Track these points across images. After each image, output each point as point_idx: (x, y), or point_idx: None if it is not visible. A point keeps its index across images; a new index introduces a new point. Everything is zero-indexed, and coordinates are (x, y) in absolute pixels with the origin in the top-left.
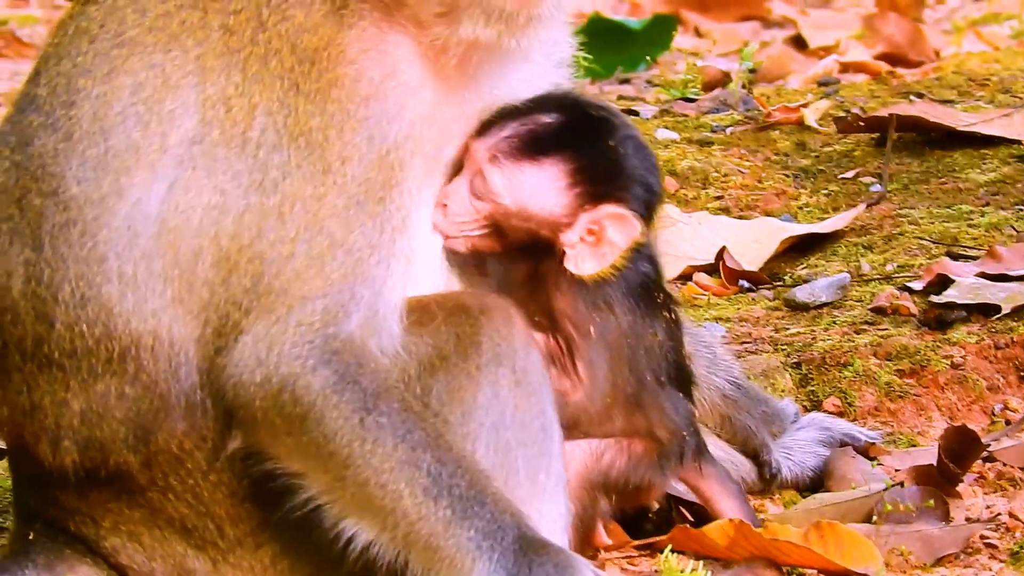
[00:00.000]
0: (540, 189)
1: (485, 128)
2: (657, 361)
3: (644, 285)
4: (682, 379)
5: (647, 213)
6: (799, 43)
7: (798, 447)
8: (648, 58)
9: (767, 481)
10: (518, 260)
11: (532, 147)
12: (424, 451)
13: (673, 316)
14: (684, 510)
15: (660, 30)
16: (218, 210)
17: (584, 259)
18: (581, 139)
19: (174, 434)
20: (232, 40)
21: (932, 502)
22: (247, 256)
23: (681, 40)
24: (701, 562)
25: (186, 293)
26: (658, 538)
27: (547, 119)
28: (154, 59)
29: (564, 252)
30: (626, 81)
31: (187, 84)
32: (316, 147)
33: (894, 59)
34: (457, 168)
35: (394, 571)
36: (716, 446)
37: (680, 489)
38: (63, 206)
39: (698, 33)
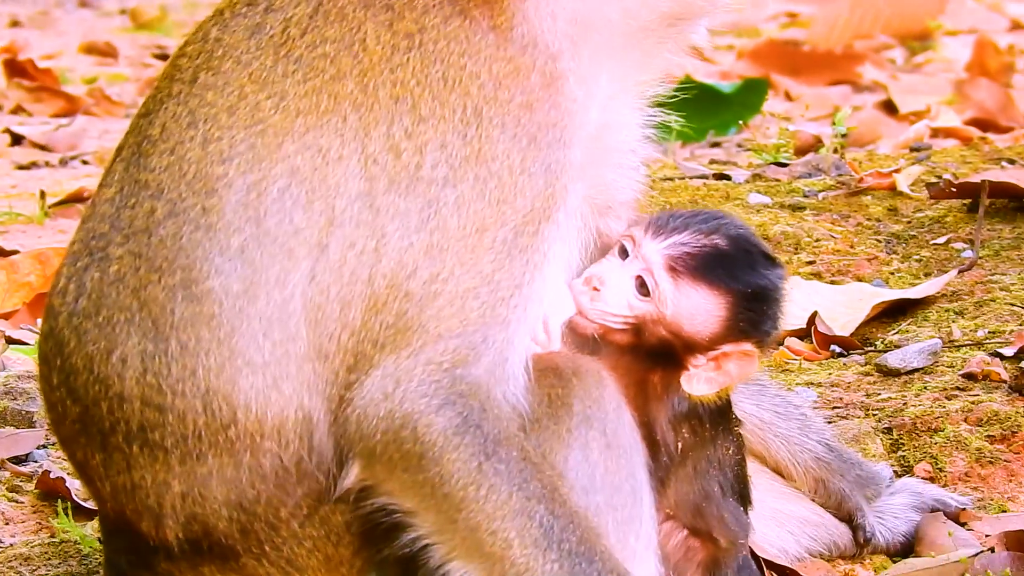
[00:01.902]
0: (703, 312)
1: (657, 228)
2: (725, 474)
3: (726, 402)
4: (744, 493)
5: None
6: (889, 108)
7: (890, 512)
8: (740, 122)
9: (860, 545)
10: (633, 359)
11: (708, 270)
12: (538, 503)
13: (739, 431)
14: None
15: (752, 94)
16: (376, 254)
17: (700, 382)
18: (748, 276)
19: (272, 503)
20: (398, 89)
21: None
22: (397, 295)
23: (771, 104)
24: None
25: (322, 355)
26: None
27: (722, 244)
28: (307, 140)
29: (685, 369)
30: (717, 145)
31: (349, 152)
32: (494, 177)
33: (984, 124)
34: (607, 251)
35: None
36: (810, 510)
37: (770, 549)
38: (195, 299)
39: (788, 97)
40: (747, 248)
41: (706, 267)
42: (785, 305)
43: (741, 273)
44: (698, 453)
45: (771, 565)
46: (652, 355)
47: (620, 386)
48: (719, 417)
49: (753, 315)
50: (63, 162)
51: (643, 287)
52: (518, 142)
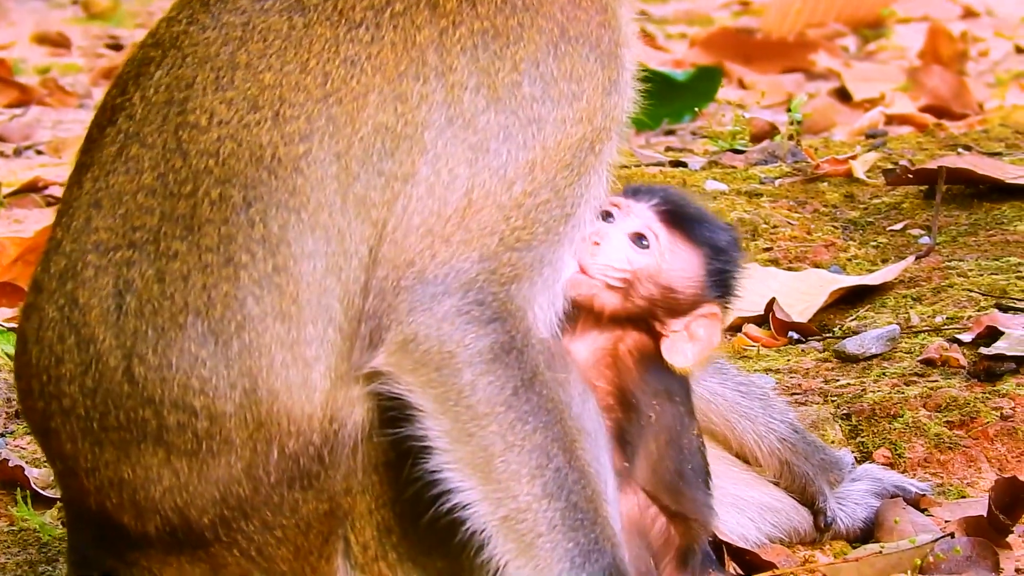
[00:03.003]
0: (690, 265)
1: (637, 193)
2: (695, 456)
3: (688, 388)
4: (706, 480)
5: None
6: (843, 95)
7: (851, 498)
8: (696, 109)
9: (821, 531)
10: (612, 328)
11: (691, 225)
12: (559, 448)
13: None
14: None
15: (705, 82)
16: (473, 168)
17: (678, 350)
18: (718, 232)
19: (248, 494)
20: (479, 23)
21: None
22: (490, 206)
23: (725, 92)
24: None
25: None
26: None
27: (694, 205)
28: (386, 94)
29: (663, 336)
30: (671, 132)
31: (431, 89)
32: (584, 95)
33: (939, 111)
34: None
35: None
36: (770, 495)
37: (730, 535)
38: (276, 288)
39: (742, 85)
40: (707, 211)
41: (689, 223)
42: (741, 268)
43: (713, 229)
44: (672, 424)
45: (730, 550)
46: (631, 323)
47: (597, 357)
48: (687, 396)
49: (723, 272)
50: (17, 152)
51: (639, 240)
52: (601, 60)
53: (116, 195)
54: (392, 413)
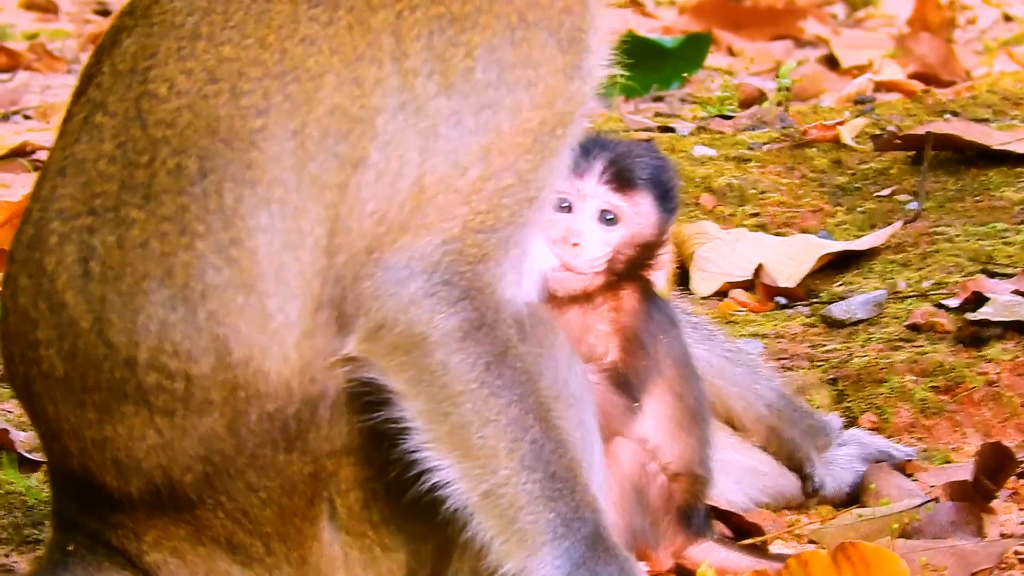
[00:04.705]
0: (650, 213)
1: (579, 172)
2: (701, 406)
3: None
4: (710, 437)
5: None
6: (831, 62)
7: (838, 463)
8: (684, 75)
9: (808, 496)
10: (604, 291)
11: (637, 181)
12: (534, 420)
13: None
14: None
15: (694, 49)
16: (425, 154)
17: (661, 277)
18: (654, 163)
19: (233, 454)
20: (435, 7)
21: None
22: (446, 191)
23: (713, 59)
24: None
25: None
26: None
27: (625, 151)
28: (343, 76)
29: (650, 273)
30: (659, 99)
31: (386, 73)
32: (542, 80)
33: (926, 79)
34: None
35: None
36: (756, 459)
37: (717, 498)
38: (233, 262)
39: (731, 52)
40: (635, 146)
41: (634, 178)
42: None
43: (648, 168)
44: (681, 355)
45: (717, 513)
46: (622, 278)
47: (598, 306)
48: (686, 352)
49: (671, 196)
50: (5, 117)
51: (606, 217)
52: (561, 45)
53: (79, 163)
54: (368, 398)
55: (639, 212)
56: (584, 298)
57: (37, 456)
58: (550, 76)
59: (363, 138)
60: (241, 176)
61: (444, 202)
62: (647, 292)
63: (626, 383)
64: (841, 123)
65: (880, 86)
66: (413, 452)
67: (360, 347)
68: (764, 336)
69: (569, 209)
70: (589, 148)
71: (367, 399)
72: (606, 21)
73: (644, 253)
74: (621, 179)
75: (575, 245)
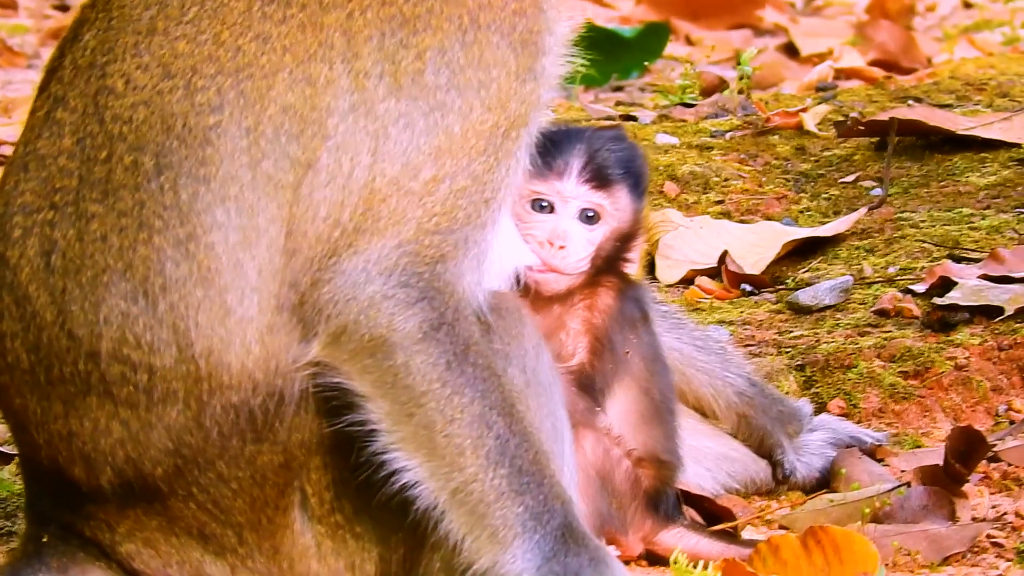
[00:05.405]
0: (627, 204)
1: (556, 173)
2: (668, 398)
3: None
4: (676, 425)
5: None
6: (791, 51)
7: (808, 449)
8: (645, 64)
9: (779, 482)
10: (583, 287)
11: (614, 175)
12: (498, 415)
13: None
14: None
15: (654, 38)
16: (375, 156)
17: (635, 263)
18: (625, 152)
19: (203, 446)
20: (387, 8)
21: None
22: (397, 193)
23: (672, 48)
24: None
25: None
26: None
27: (598, 143)
28: (296, 75)
29: (626, 263)
30: (620, 88)
31: (337, 74)
32: (493, 82)
33: (887, 66)
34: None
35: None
36: (727, 446)
37: (692, 485)
38: (190, 257)
39: (689, 41)
40: (606, 136)
41: (611, 173)
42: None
43: (622, 160)
44: (649, 350)
45: (688, 498)
46: (600, 273)
47: (573, 304)
48: (656, 344)
49: (642, 181)
50: None
51: (587, 216)
52: (514, 48)
53: (40, 158)
54: (335, 402)
55: (618, 207)
56: (562, 296)
57: (9, 449)
58: (503, 78)
59: (315, 139)
60: (196, 173)
61: (397, 204)
62: (622, 286)
63: (591, 386)
64: (804, 110)
65: (841, 73)
66: (382, 453)
67: (323, 352)
68: (731, 323)
69: (551, 210)
70: (562, 144)
71: (334, 403)
72: (561, 22)
73: (623, 245)
74: (599, 176)
75: (561, 248)
